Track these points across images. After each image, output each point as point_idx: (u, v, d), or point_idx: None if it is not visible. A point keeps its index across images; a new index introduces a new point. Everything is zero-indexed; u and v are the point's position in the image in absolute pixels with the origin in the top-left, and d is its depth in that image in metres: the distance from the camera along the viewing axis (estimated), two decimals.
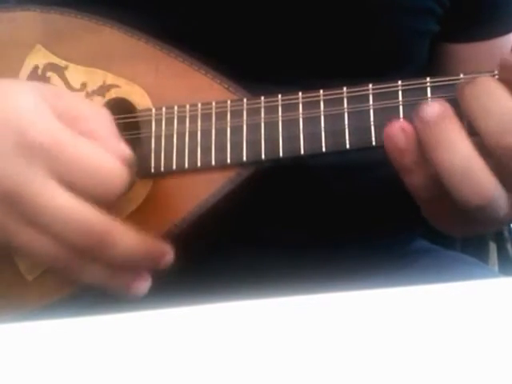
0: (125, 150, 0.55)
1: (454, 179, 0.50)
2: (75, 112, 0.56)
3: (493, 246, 0.90)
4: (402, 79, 0.55)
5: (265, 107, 0.58)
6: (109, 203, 0.54)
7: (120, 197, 0.55)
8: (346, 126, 0.56)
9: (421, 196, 0.54)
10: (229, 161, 0.58)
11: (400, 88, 0.55)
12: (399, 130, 0.52)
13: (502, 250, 0.90)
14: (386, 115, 0.55)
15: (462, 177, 0.50)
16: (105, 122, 0.56)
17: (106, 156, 0.54)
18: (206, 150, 0.58)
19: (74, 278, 0.56)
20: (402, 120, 0.53)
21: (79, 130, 0.54)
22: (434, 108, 0.51)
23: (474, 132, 0.51)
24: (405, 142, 0.52)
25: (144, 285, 0.56)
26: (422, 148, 0.51)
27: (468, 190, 0.50)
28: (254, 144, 0.57)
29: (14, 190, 0.52)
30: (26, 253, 0.55)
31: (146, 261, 0.55)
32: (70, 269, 0.55)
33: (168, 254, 0.56)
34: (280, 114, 0.57)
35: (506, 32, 0.72)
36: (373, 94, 0.56)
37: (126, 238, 0.54)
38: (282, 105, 0.57)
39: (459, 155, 0.50)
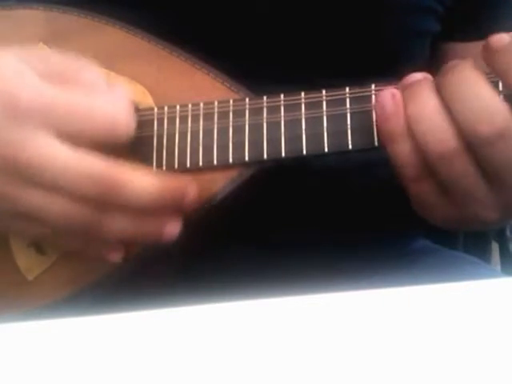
0: (121, 92, 0.55)
1: (421, 127, 0.52)
2: (61, 69, 0.55)
3: (495, 246, 0.90)
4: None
5: (267, 107, 0.58)
6: (117, 145, 0.53)
7: (129, 139, 0.54)
8: (349, 127, 0.55)
9: (405, 172, 0.54)
10: (231, 160, 0.58)
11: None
12: (389, 95, 0.54)
13: (504, 249, 0.90)
14: None
15: (428, 124, 0.52)
16: (94, 74, 0.56)
17: (101, 100, 0.53)
18: (208, 150, 0.58)
19: (102, 235, 0.54)
20: (392, 87, 0.55)
21: (67, 84, 0.54)
22: (416, 74, 0.55)
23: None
24: (393, 107, 0.53)
25: (176, 226, 0.55)
26: (406, 116, 0.53)
27: (431, 137, 0.52)
28: (256, 144, 0.57)
29: (12, 156, 0.52)
30: (46, 218, 0.53)
31: (168, 198, 0.54)
32: (95, 224, 0.53)
33: (191, 185, 0.55)
34: (282, 114, 0.57)
35: (508, 31, 0.72)
36: (375, 95, 0.55)
37: (139, 177, 0.53)
38: (285, 105, 0.57)
39: (427, 105, 0.52)
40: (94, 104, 0.53)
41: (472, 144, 0.51)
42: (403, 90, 0.54)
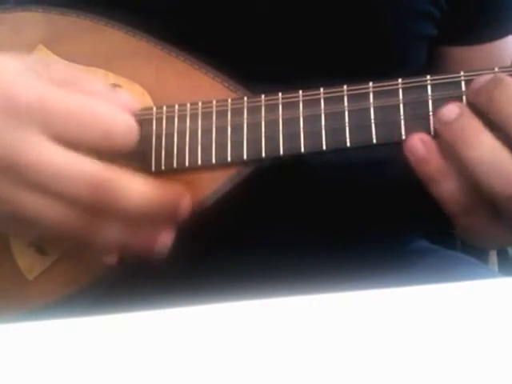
0: (123, 98, 0.55)
1: (483, 172, 0.50)
2: (65, 76, 0.55)
3: None
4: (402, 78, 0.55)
5: (265, 106, 0.58)
6: (116, 150, 0.53)
7: (127, 147, 0.54)
8: (347, 124, 0.56)
9: (452, 209, 0.53)
10: (229, 159, 0.58)
11: (400, 86, 0.55)
12: (417, 140, 0.53)
13: (501, 250, 0.90)
14: (387, 113, 0.55)
15: (490, 168, 0.50)
16: (97, 81, 0.56)
17: (102, 104, 0.53)
18: (207, 149, 0.58)
19: (94, 241, 0.54)
20: (417, 133, 0.53)
21: (70, 88, 0.54)
22: (451, 108, 0.52)
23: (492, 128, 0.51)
24: (425, 151, 0.52)
25: (168, 236, 0.55)
26: (446, 152, 0.52)
27: (498, 180, 0.50)
28: (254, 142, 0.57)
29: (8, 155, 0.51)
30: (36, 222, 0.53)
31: (162, 206, 0.54)
32: (88, 230, 0.53)
33: (184, 196, 0.55)
34: (280, 112, 0.57)
35: (504, 35, 0.72)
36: (373, 92, 0.56)
37: (134, 183, 0.53)
38: (283, 103, 0.57)
39: (485, 148, 0.50)
40: (94, 109, 0.53)
41: None
42: (445, 127, 0.52)
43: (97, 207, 0.52)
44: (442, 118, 0.52)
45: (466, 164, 0.51)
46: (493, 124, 0.51)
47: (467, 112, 0.52)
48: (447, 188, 0.53)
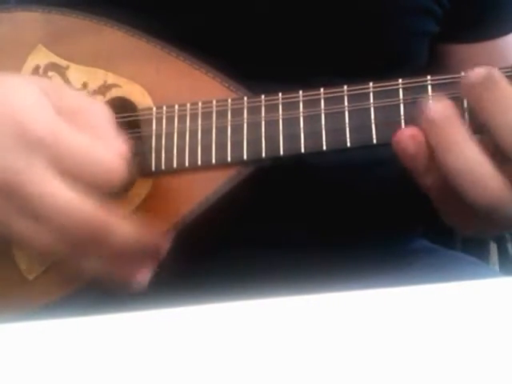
0: (122, 146, 0.55)
1: (459, 181, 0.51)
2: (75, 107, 0.56)
3: (493, 246, 0.90)
4: (402, 78, 0.55)
5: (265, 106, 0.58)
6: (108, 194, 0.54)
7: (118, 192, 0.55)
8: (347, 124, 0.56)
9: (435, 196, 0.54)
10: (229, 159, 0.58)
11: (401, 86, 0.55)
12: (408, 137, 0.53)
13: (502, 249, 0.89)
14: (387, 113, 0.55)
15: (466, 179, 0.50)
16: (104, 118, 0.56)
17: (104, 149, 0.54)
18: (207, 149, 0.58)
19: (74, 272, 0.56)
20: (410, 127, 0.53)
21: (78, 124, 0.54)
22: (437, 107, 0.52)
23: (478, 130, 0.51)
24: (414, 148, 0.52)
25: (145, 276, 0.56)
26: (430, 151, 0.52)
27: (473, 191, 0.50)
28: (254, 142, 0.57)
29: (13, 182, 0.52)
30: (26, 245, 0.55)
31: (145, 249, 0.55)
32: (70, 261, 0.55)
33: (165, 243, 0.55)
34: (280, 112, 0.57)
35: (505, 33, 0.72)
36: (373, 92, 0.56)
37: (122, 225, 0.53)
38: (283, 103, 0.57)
39: (463, 157, 0.50)
40: (99, 153, 0.54)
41: None
42: (429, 127, 0.52)
43: (85, 243, 0.53)
44: (428, 115, 0.52)
45: (443, 166, 0.51)
46: (481, 126, 0.51)
47: (454, 114, 0.51)
48: (431, 180, 0.53)
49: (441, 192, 0.53)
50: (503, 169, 0.51)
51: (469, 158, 0.50)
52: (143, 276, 0.56)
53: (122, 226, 0.54)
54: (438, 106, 0.52)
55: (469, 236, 0.58)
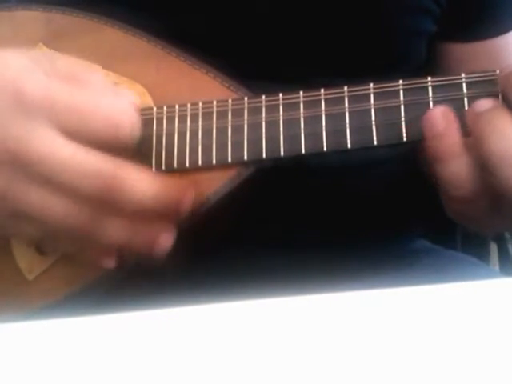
0: (128, 96, 0.55)
1: (504, 166, 0.50)
2: (69, 71, 0.55)
3: (494, 246, 0.90)
4: (402, 78, 0.55)
5: (266, 106, 0.58)
6: (121, 145, 0.53)
7: (132, 142, 0.54)
8: (347, 126, 0.55)
9: (452, 193, 0.53)
10: (230, 160, 0.58)
11: (401, 87, 0.55)
12: (439, 113, 0.53)
13: (502, 250, 0.89)
14: (387, 115, 0.55)
15: (506, 162, 0.50)
16: (98, 77, 0.56)
17: (107, 101, 0.53)
18: (207, 149, 0.58)
19: (95, 238, 0.54)
20: (442, 106, 0.53)
21: (75, 84, 0.54)
22: (485, 101, 0.52)
23: None
24: (444, 125, 0.52)
25: (169, 238, 0.54)
26: (467, 136, 0.52)
27: (508, 174, 0.50)
28: (255, 143, 0.57)
29: (16, 148, 0.52)
30: (41, 218, 0.53)
31: (167, 201, 0.54)
32: (90, 226, 0.53)
33: (188, 191, 0.54)
34: (281, 113, 0.57)
35: (504, 32, 0.72)
36: (374, 94, 0.56)
37: (140, 178, 0.53)
38: (283, 104, 0.57)
39: (506, 139, 0.50)
40: (100, 103, 0.53)
41: None
42: (474, 117, 0.52)
43: (102, 202, 0.52)
44: (474, 108, 0.52)
45: (489, 155, 0.50)
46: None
47: (499, 104, 0.52)
48: (454, 170, 0.52)
49: (460, 185, 0.52)
50: None
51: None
52: (166, 239, 0.55)
53: (138, 178, 0.53)
54: (484, 100, 0.52)
55: (476, 233, 0.58)
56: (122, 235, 0.54)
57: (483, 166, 0.51)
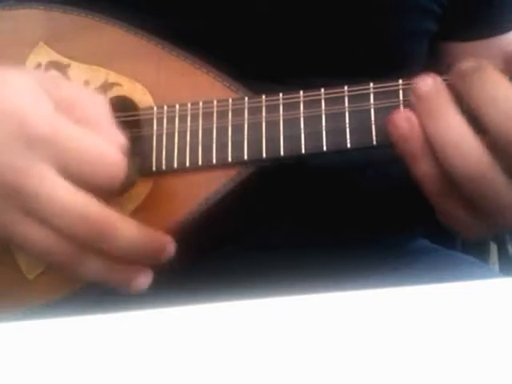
0: (121, 138, 0.55)
1: (447, 152, 0.51)
2: (73, 100, 0.55)
3: (493, 246, 0.90)
4: (403, 78, 0.55)
5: (266, 106, 0.58)
6: (109, 192, 0.54)
7: (120, 191, 0.55)
8: (347, 125, 0.55)
9: (430, 189, 0.54)
10: (230, 159, 0.58)
11: (401, 87, 0.55)
12: (403, 117, 0.53)
13: (502, 249, 0.89)
14: (387, 114, 0.55)
15: (454, 149, 0.51)
16: (102, 110, 0.56)
17: (104, 144, 0.53)
18: (207, 149, 0.58)
19: (74, 273, 0.55)
20: (405, 110, 0.54)
21: (76, 117, 0.54)
22: (427, 81, 0.53)
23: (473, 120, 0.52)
24: (407, 128, 0.53)
25: (145, 280, 0.55)
26: (424, 132, 0.52)
27: (459, 162, 0.51)
28: (255, 143, 0.57)
29: (15, 181, 0.52)
30: (27, 246, 0.54)
31: (146, 252, 0.55)
32: (71, 263, 0.54)
33: (169, 245, 0.55)
34: (281, 112, 0.57)
35: (505, 31, 0.72)
36: (374, 93, 0.56)
37: (126, 228, 0.53)
38: (283, 103, 0.57)
39: (452, 128, 0.51)
40: (100, 149, 0.53)
41: (505, 151, 0.50)
42: (417, 102, 0.53)
43: (87, 244, 0.53)
44: (416, 90, 0.53)
45: (432, 137, 0.51)
46: (468, 110, 0.52)
47: (442, 89, 0.52)
48: (424, 167, 0.53)
49: (435, 183, 0.53)
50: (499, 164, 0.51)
51: (457, 130, 0.51)
52: (144, 278, 0.55)
53: (126, 225, 0.53)
54: (426, 80, 0.53)
55: (467, 237, 0.58)
56: (101, 273, 0.55)
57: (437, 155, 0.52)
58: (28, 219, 0.52)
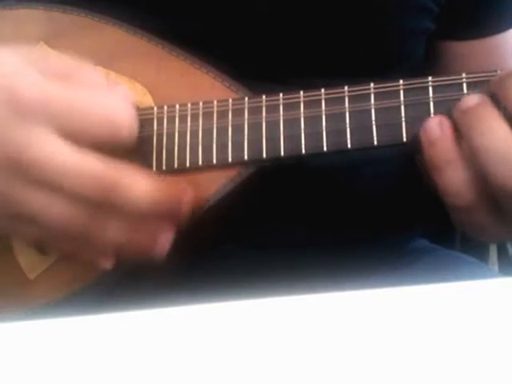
0: (125, 91, 0.55)
1: (491, 161, 0.50)
2: (64, 70, 0.55)
3: (493, 246, 0.90)
4: (401, 77, 0.55)
5: (266, 106, 0.58)
6: (120, 145, 0.53)
7: (131, 139, 0.54)
8: (348, 126, 0.55)
9: (453, 202, 0.53)
10: (230, 160, 0.58)
11: (401, 87, 0.55)
12: (435, 122, 0.53)
13: (502, 249, 0.89)
14: (388, 115, 0.55)
15: (498, 157, 0.50)
16: (96, 76, 0.56)
17: (104, 99, 0.53)
18: (208, 149, 0.58)
19: (98, 241, 0.54)
20: (439, 115, 0.53)
21: (70, 83, 0.53)
22: (473, 98, 0.52)
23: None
24: (438, 133, 0.52)
25: (168, 237, 0.54)
26: (460, 141, 0.52)
27: (504, 171, 0.50)
28: (255, 143, 0.57)
29: (15, 153, 0.51)
30: (42, 220, 0.53)
31: (165, 202, 0.53)
32: (92, 229, 0.53)
33: (187, 193, 0.54)
34: (281, 113, 0.57)
35: (503, 30, 0.72)
36: (374, 94, 0.56)
37: (139, 180, 0.52)
38: (284, 104, 0.57)
39: (497, 136, 0.51)
40: (97, 103, 0.52)
41: None
42: (461, 115, 0.52)
43: (101, 205, 0.52)
44: (461, 105, 0.52)
45: (476, 151, 0.51)
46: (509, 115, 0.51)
47: (486, 101, 0.52)
48: (452, 178, 0.52)
49: (460, 193, 0.52)
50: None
51: (502, 135, 0.50)
52: (165, 239, 0.54)
53: (137, 181, 0.52)
54: (472, 96, 0.52)
55: (489, 241, 0.58)
56: (121, 236, 0.54)
57: (474, 164, 0.51)
58: (37, 192, 0.51)
